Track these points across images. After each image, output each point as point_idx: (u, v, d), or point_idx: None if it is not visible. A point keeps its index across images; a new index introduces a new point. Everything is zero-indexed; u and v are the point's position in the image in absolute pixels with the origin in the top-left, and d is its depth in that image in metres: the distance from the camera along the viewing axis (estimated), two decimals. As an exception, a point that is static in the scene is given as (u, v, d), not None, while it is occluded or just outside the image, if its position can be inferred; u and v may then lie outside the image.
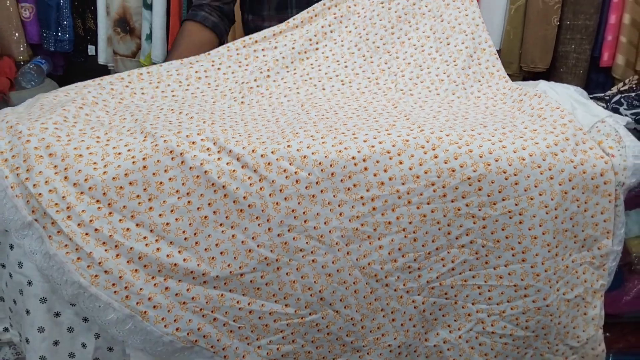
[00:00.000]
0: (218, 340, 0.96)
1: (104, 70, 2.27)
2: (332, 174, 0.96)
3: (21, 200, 0.91)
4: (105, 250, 0.91)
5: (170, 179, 0.95)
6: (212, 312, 0.96)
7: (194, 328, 0.95)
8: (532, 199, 0.97)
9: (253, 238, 0.95)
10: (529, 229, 0.98)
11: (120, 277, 0.91)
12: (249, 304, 0.97)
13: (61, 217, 0.90)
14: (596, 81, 2.12)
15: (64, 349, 0.97)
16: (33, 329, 0.95)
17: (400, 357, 1.04)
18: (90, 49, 2.22)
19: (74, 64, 2.36)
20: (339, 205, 0.96)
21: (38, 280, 0.94)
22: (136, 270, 0.92)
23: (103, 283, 0.91)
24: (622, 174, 1.00)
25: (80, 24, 2.20)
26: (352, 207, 0.96)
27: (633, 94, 1.23)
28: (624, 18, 2.01)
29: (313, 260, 0.97)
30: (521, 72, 2.14)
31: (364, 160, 0.96)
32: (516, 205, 0.97)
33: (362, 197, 0.96)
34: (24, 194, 0.91)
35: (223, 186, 0.94)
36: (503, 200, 0.97)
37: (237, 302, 0.96)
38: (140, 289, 0.92)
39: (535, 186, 0.97)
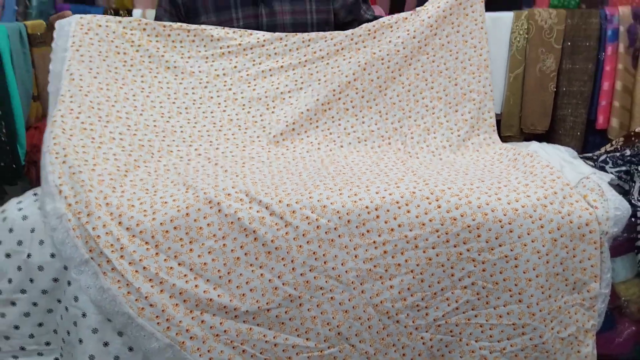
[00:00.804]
0: None
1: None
2: (348, 221, 1.10)
3: (81, 241, 1.05)
4: (151, 286, 1.05)
5: (208, 224, 1.09)
6: (241, 344, 1.08)
7: (225, 359, 1.07)
8: (525, 245, 1.10)
9: (279, 277, 1.09)
10: (524, 272, 1.10)
11: (163, 310, 1.04)
12: (274, 337, 1.09)
13: (115, 256, 1.04)
14: (593, 142, 2.24)
15: (111, 377, 1.09)
16: (85, 356, 1.07)
17: None
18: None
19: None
20: (354, 249, 1.09)
21: (91, 312, 1.07)
22: (177, 304, 1.05)
23: (148, 315, 1.04)
24: (605, 224, 1.13)
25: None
26: (366, 250, 1.09)
27: (618, 154, 1.37)
28: (616, 85, 2.16)
29: (332, 298, 1.09)
30: (522, 133, 2.28)
31: (376, 209, 1.10)
32: (511, 250, 1.10)
33: (374, 242, 1.10)
34: (83, 235, 1.06)
35: (254, 231, 1.09)
36: (500, 246, 1.10)
37: (264, 335, 1.08)
38: (180, 321, 1.05)
39: (528, 234, 1.10)
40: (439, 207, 1.12)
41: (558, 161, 1.28)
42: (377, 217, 1.11)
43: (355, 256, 1.10)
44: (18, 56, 2.09)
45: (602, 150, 1.49)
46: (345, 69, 1.48)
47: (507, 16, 2.16)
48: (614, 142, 1.54)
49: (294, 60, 1.50)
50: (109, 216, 1.08)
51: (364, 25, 1.57)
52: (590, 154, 1.46)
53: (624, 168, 1.30)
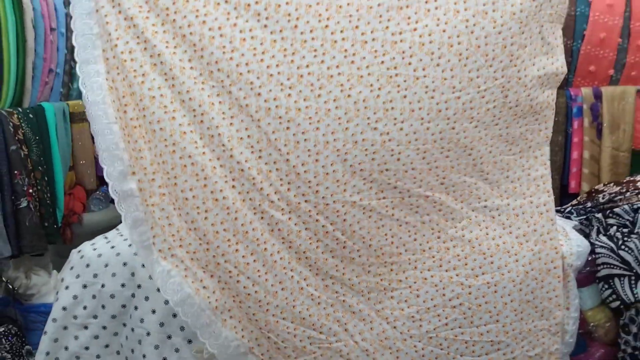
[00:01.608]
0: (268, 351, 1.30)
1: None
2: (370, 245, 1.35)
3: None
4: (204, 272, 1.28)
5: (253, 229, 1.30)
6: (268, 332, 1.30)
7: (253, 338, 1.29)
8: (502, 274, 1.35)
9: (305, 279, 1.31)
10: (501, 297, 1.35)
11: (213, 291, 1.27)
12: (294, 329, 1.31)
13: (176, 244, 1.27)
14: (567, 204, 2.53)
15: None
16: (147, 370, 1.29)
17: None
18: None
19: (132, 192, 2.81)
20: (369, 266, 1.34)
21: (154, 331, 1.29)
22: (223, 289, 1.29)
23: (202, 294, 1.26)
24: (570, 258, 1.39)
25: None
26: (377, 267, 1.34)
27: (580, 207, 1.65)
28: (584, 154, 2.46)
29: (344, 301, 1.33)
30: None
31: (392, 236, 1.38)
32: (492, 278, 1.35)
33: (385, 262, 1.35)
34: (149, 221, 1.28)
35: (290, 241, 1.31)
36: (483, 274, 1.35)
37: (287, 327, 1.31)
38: (225, 302, 1.28)
39: (505, 265, 1.36)
40: (439, 237, 1.38)
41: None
42: (392, 243, 1.36)
43: (368, 272, 1.34)
44: (61, 131, 2.39)
45: (569, 205, 1.77)
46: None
47: (486, 96, 2.50)
48: (578, 198, 1.83)
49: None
50: (172, 206, 1.26)
51: None
52: (558, 207, 1.74)
53: (585, 216, 1.58)
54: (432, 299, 1.35)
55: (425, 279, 1.35)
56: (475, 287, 1.35)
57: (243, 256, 1.30)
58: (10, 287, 2.10)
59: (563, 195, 2.52)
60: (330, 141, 1.28)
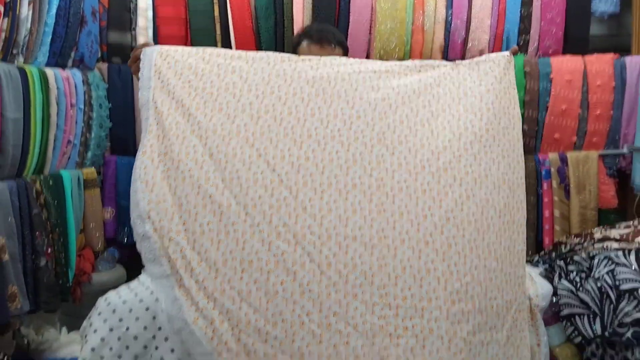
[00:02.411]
0: None
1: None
2: (372, 282, 1.45)
3: (165, 259, 1.54)
4: (207, 302, 1.40)
5: (258, 259, 1.44)
6: None
7: None
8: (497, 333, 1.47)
9: (307, 314, 1.37)
10: (496, 354, 1.45)
11: (211, 322, 1.38)
12: None
13: (187, 275, 1.45)
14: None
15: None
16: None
17: None
18: (156, 241, 2.86)
19: (136, 252, 2.98)
20: (372, 305, 1.41)
21: (175, 372, 1.45)
22: (222, 321, 1.39)
23: (200, 324, 1.39)
24: (536, 299, 1.58)
25: (149, 222, 2.88)
26: (382, 309, 1.42)
27: (546, 256, 1.87)
28: (555, 212, 2.67)
29: (346, 343, 1.36)
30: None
31: (395, 278, 1.47)
32: (490, 337, 1.46)
33: (389, 304, 1.42)
34: (166, 255, 1.54)
35: (294, 272, 1.40)
36: (480, 332, 1.45)
37: None
38: (222, 334, 1.37)
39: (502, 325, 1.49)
40: (445, 288, 1.43)
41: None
42: (396, 284, 1.41)
43: (372, 312, 1.36)
44: (75, 197, 2.58)
45: (537, 255, 1.99)
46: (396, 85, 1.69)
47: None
48: (545, 250, 2.04)
49: (347, 68, 1.70)
50: (185, 241, 1.46)
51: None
52: (528, 258, 1.95)
53: (549, 264, 1.80)
54: (437, 351, 1.35)
55: (432, 329, 1.35)
56: (474, 344, 1.39)
57: (247, 284, 1.41)
58: (26, 342, 2.23)
59: (539, 251, 2.72)
60: (333, 183, 1.52)
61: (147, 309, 1.51)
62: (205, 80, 1.61)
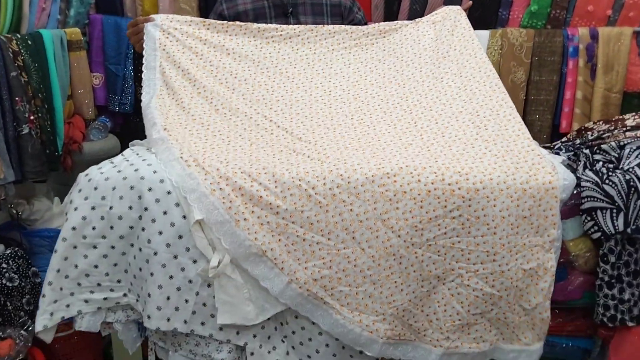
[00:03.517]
0: (280, 254, 1.39)
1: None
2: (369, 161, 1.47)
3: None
4: (220, 177, 1.41)
5: (265, 149, 1.56)
6: (279, 234, 1.40)
7: (266, 241, 1.38)
8: (501, 190, 1.42)
9: (313, 188, 1.41)
10: (500, 211, 1.42)
11: (228, 194, 1.38)
12: (304, 233, 1.40)
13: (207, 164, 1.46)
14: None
15: (173, 303, 1.39)
16: (154, 286, 1.37)
17: (402, 293, 1.44)
18: (149, 110, 2.69)
19: (130, 123, 2.84)
20: (372, 175, 1.43)
21: (162, 251, 1.36)
22: (237, 195, 1.39)
23: (217, 194, 1.38)
24: (556, 191, 1.46)
25: (140, 90, 2.69)
26: (381, 178, 1.43)
27: (570, 143, 1.71)
28: (577, 94, 2.51)
29: (351, 210, 1.42)
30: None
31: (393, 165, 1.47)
32: (492, 192, 1.42)
33: (387, 173, 1.43)
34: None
35: (295, 149, 1.54)
36: (483, 188, 1.42)
37: (296, 231, 1.40)
38: (238, 205, 1.38)
39: (504, 182, 1.42)
40: (436, 161, 1.48)
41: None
42: (391, 171, 1.46)
43: (373, 181, 1.43)
44: (59, 59, 2.38)
45: (558, 142, 1.83)
46: (365, 58, 1.91)
47: (483, 34, 2.51)
48: (568, 136, 1.88)
49: (323, 48, 1.92)
50: (199, 142, 1.55)
51: (372, 26, 1.98)
52: (548, 144, 1.80)
53: (573, 152, 1.64)
54: (434, 210, 1.43)
55: (429, 191, 1.43)
56: (476, 200, 1.42)
57: (256, 169, 1.44)
58: (15, 211, 2.15)
59: (554, 135, 2.59)
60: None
61: (131, 187, 1.39)
62: (206, 55, 1.81)
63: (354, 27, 1.95)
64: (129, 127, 2.85)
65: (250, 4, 2.07)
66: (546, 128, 2.57)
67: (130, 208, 1.39)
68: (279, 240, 1.40)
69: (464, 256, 1.45)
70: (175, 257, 1.37)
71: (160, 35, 1.80)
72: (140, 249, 1.39)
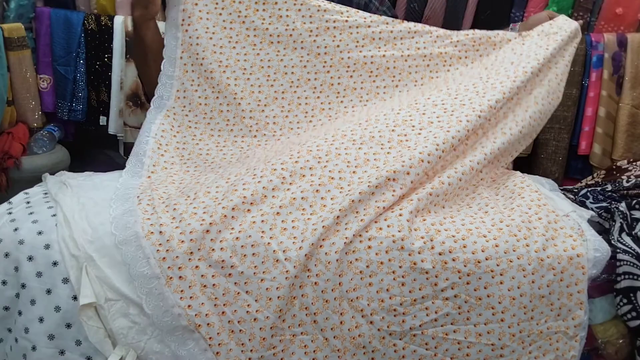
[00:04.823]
0: (218, 334, 1.04)
1: (112, 139, 2.40)
2: (345, 215, 1.11)
3: None
4: (173, 219, 1.08)
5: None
6: (224, 305, 1.05)
7: (202, 312, 1.03)
8: (510, 261, 1.07)
9: (284, 251, 1.07)
10: (508, 290, 1.08)
11: (167, 240, 1.05)
12: (256, 311, 1.05)
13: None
14: (575, 167, 2.25)
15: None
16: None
17: None
18: (102, 120, 2.35)
19: (84, 132, 2.49)
20: (344, 237, 1.08)
21: (42, 346, 1.02)
22: (182, 241, 1.05)
23: (153, 239, 1.05)
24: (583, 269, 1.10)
25: (94, 95, 2.35)
26: (352, 242, 1.08)
27: (599, 189, 1.35)
28: (600, 111, 2.18)
29: (315, 283, 1.07)
30: (505, 156, 2.27)
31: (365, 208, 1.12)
32: (497, 265, 1.07)
33: (361, 235, 1.08)
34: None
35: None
36: (486, 259, 1.08)
37: (249, 305, 1.05)
38: (177, 256, 1.04)
39: (514, 250, 1.08)
40: (424, 219, 1.13)
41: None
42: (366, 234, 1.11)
43: (345, 243, 1.08)
44: (-7, 60, 2.05)
45: (583, 183, 1.47)
46: (446, 80, 1.47)
47: (493, 39, 2.16)
48: (594, 175, 1.52)
49: (396, 51, 1.47)
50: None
51: (464, 33, 1.54)
52: (570, 187, 1.44)
53: (604, 204, 1.28)
54: (420, 289, 1.08)
55: (414, 263, 1.08)
56: (476, 275, 1.08)
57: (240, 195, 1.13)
58: None
59: (571, 157, 2.25)
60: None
61: (6, 254, 1.04)
62: (225, 39, 1.47)
63: (441, 30, 1.53)
64: (83, 136, 2.50)
65: None
66: (562, 149, 2.22)
67: (4, 283, 1.04)
68: (223, 313, 1.05)
69: (461, 351, 1.10)
70: (62, 352, 1.02)
71: (187, 4, 1.44)
72: (16, 339, 1.05)
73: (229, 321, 1.05)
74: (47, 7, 2.32)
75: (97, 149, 2.51)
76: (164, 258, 1.03)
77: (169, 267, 1.03)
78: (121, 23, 2.27)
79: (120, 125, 2.33)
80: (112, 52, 2.29)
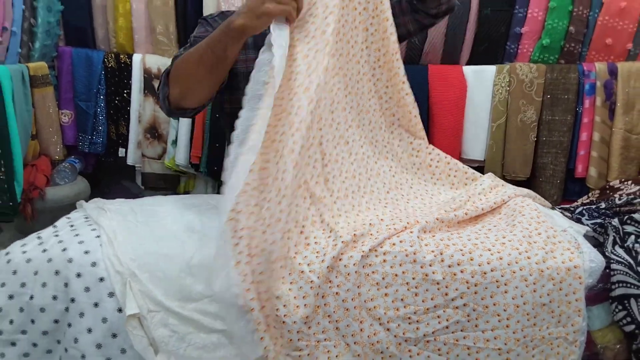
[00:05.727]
0: (259, 323, 1.13)
1: (130, 170, 2.51)
2: (362, 234, 1.21)
3: None
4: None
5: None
6: (267, 299, 1.15)
7: (255, 299, 1.12)
8: (514, 272, 1.16)
9: (309, 264, 1.17)
10: (512, 298, 1.16)
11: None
12: (285, 315, 1.14)
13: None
14: (572, 190, 2.33)
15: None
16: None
17: None
18: (121, 151, 2.46)
19: (103, 164, 2.60)
20: (361, 251, 1.18)
21: (90, 354, 1.10)
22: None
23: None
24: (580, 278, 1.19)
25: (113, 129, 2.47)
26: (368, 256, 1.17)
27: (594, 207, 1.45)
28: (594, 136, 2.26)
29: (337, 293, 1.16)
30: (504, 180, 2.36)
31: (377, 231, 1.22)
32: (502, 276, 1.17)
33: (376, 250, 1.17)
34: None
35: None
36: (491, 271, 1.17)
37: (277, 310, 1.14)
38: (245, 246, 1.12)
39: (516, 262, 1.17)
40: (434, 236, 1.23)
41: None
42: (380, 249, 1.21)
43: (362, 257, 1.17)
44: (19, 96, 2.15)
45: (579, 202, 1.57)
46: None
47: (489, 70, 2.27)
48: (590, 195, 1.62)
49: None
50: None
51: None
52: (567, 206, 1.54)
53: (598, 220, 1.38)
54: (432, 299, 1.18)
55: (426, 275, 1.17)
56: (483, 285, 1.17)
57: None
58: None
59: (568, 180, 2.34)
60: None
61: (56, 272, 1.14)
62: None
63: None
64: (103, 168, 2.62)
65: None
66: (560, 172, 2.31)
67: (54, 298, 1.14)
68: (263, 307, 1.14)
69: (471, 356, 1.19)
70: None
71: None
72: (66, 349, 1.13)
73: (266, 316, 1.14)
74: (69, 46, 2.45)
75: (113, 178, 2.62)
76: (236, 244, 1.09)
77: (239, 253, 1.09)
78: (139, 61, 2.39)
79: (139, 156, 2.44)
80: (130, 88, 2.41)
